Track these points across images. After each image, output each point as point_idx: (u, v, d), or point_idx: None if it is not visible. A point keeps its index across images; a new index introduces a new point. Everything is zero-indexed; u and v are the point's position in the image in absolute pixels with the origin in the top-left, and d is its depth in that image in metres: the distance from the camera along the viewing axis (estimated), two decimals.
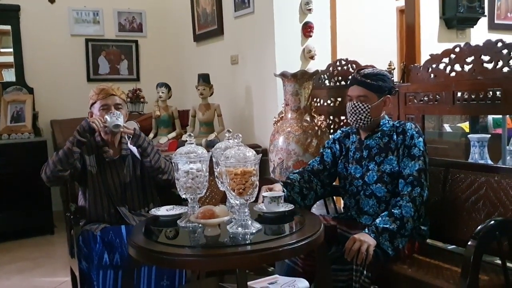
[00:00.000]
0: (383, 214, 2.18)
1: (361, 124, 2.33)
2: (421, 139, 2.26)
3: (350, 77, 3.29)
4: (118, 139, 2.62)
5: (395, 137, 2.30)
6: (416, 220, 2.19)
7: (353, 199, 2.40)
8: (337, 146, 2.50)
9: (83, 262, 2.35)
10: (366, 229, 2.14)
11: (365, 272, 2.04)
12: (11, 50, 4.84)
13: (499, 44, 2.43)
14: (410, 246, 2.26)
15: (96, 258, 2.27)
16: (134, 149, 2.60)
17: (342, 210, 2.91)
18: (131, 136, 2.55)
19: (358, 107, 2.30)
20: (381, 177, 2.29)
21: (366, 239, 2.07)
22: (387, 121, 2.37)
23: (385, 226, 2.11)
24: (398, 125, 2.33)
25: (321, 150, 2.57)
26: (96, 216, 2.53)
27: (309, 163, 2.57)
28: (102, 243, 2.31)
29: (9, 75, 4.89)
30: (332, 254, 2.17)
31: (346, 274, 2.11)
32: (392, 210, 2.16)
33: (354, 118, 2.33)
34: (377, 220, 2.15)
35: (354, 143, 2.44)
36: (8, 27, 4.82)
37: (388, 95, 2.34)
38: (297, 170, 2.54)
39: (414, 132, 2.26)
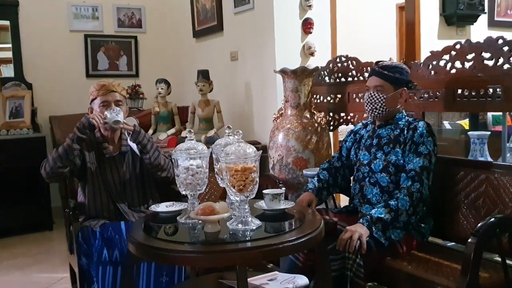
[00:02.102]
0: (379, 205, 2.22)
1: (376, 113, 2.37)
2: (431, 139, 2.28)
3: (350, 73, 3.33)
4: (118, 135, 2.62)
5: (406, 132, 2.34)
6: (411, 215, 2.21)
7: (358, 185, 2.45)
8: (351, 138, 2.58)
9: (83, 258, 2.35)
10: (361, 219, 2.17)
11: (358, 260, 2.06)
12: (9, 45, 4.83)
13: (500, 41, 2.43)
14: (408, 243, 2.27)
15: (96, 254, 2.27)
16: (133, 146, 2.60)
17: (341, 206, 2.92)
18: (131, 133, 2.55)
19: (374, 97, 2.36)
20: (387, 167, 2.33)
21: (358, 229, 2.11)
22: (403, 116, 2.41)
23: (379, 216, 2.16)
24: (412, 121, 2.38)
25: (340, 144, 2.67)
26: (96, 212, 2.53)
27: (333, 155, 2.68)
28: (101, 239, 2.31)
29: (8, 71, 4.88)
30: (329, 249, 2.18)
31: (338, 263, 2.12)
32: (389, 202, 2.20)
33: (370, 107, 2.38)
34: (373, 211, 2.20)
35: (368, 131, 2.50)
36: (7, 23, 4.81)
37: (405, 88, 2.38)
38: (325, 166, 2.62)
39: (425, 131, 2.28)
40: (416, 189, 2.19)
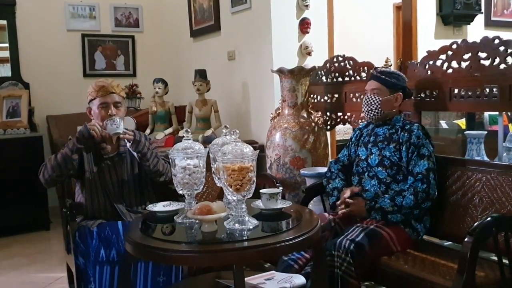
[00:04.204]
0: (386, 196, 2.34)
1: (372, 114, 2.50)
2: (428, 140, 2.38)
3: (346, 73, 3.34)
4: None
5: (399, 131, 2.43)
6: (415, 211, 2.28)
7: (357, 177, 2.55)
8: (356, 135, 2.67)
9: (80, 258, 2.35)
10: (368, 201, 2.35)
11: (347, 258, 2.09)
12: (6, 45, 4.82)
13: (496, 41, 2.44)
14: (402, 241, 2.30)
15: (93, 254, 2.27)
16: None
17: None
18: (131, 142, 2.53)
19: (370, 99, 2.49)
20: (382, 161, 2.43)
21: (359, 209, 2.35)
22: (400, 118, 2.50)
23: (383, 206, 2.31)
24: (407, 123, 2.48)
25: (347, 143, 2.75)
26: (93, 212, 2.52)
27: (338, 156, 2.75)
28: (98, 239, 2.30)
29: (5, 70, 4.87)
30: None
31: (327, 260, 2.12)
32: (396, 197, 2.31)
33: (366, 109, 2.51)
34: (380, 199, 2.34)
35: (368, 130, 2.61)
36: (4, 22, 4.80)
37: (400, 93, 2.49)
38: (338, 167, 2.69)
39: (421, 133, 2.38)
40: (422, 189, 2.28)
